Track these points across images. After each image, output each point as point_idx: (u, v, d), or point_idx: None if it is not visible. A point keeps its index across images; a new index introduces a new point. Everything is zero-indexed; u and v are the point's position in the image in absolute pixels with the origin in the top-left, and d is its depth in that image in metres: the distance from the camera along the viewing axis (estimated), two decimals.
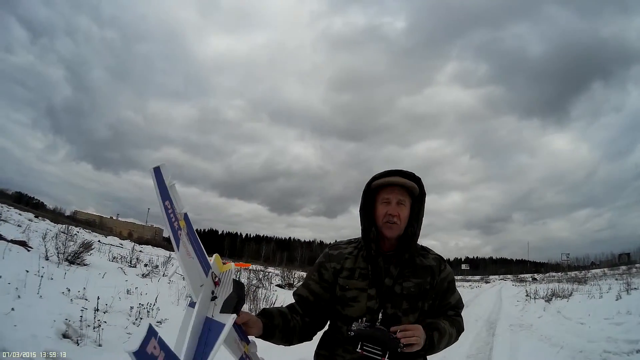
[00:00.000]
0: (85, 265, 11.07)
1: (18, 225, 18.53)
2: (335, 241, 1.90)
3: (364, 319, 1.56)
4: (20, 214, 25.90)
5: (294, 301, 1.79)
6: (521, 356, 6.86)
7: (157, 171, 1.25)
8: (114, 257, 14.79)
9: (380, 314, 1.58)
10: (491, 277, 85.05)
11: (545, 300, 15.46)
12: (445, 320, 1.69)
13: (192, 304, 1.26)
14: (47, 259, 10.18)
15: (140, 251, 21.10)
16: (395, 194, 1.67)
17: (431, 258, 1.75)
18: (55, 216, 41.40)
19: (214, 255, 1.45)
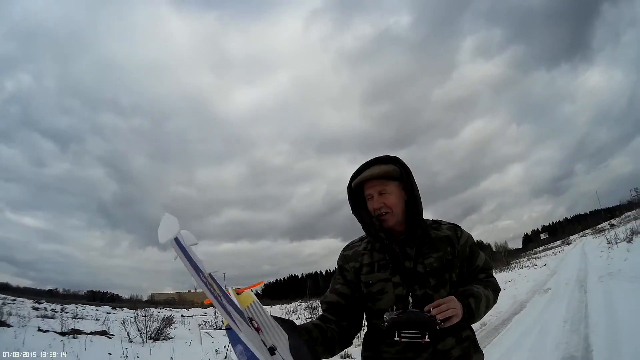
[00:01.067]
0: (169, 339, 11.31)
1: (96, 320, 19.34)
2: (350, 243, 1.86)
3: (394, 307, 1.53)
4: (96, 310, 26.92)
5: (323, 310, 1.74)
6: (618, 305, 6.45)
7: (178, 242, 0.98)
8: (199, 324, 14.97)
9: (410, 298, 1.55)
10: (571, 237, 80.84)
11: (627, 242, 14.67)
12: (479, 285, 1.65)
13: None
14: (130, 342, 10.50)
15: None
16: (374, 187, 1.65)
17: (445, 228, 1.71)
18: (133, 304, 42.66)
19: (229, 289, 1.34)
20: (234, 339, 1.01)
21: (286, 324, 1.30)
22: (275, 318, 1.29)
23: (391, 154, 1.71)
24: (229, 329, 1.06)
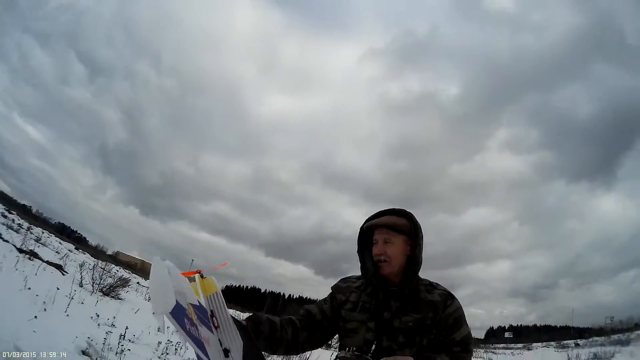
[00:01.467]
0: (119, 299, 10.93)
1: (56, 252, 18.76)
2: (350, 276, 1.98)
3: (354, 348, 1.62)
4: (60, 243, 26.30)
5: (299, 315, 1.85)
6: None
7: (177, 309, 1.04)
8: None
9: (374, 346, 1.63)
10: (534, 344, 78.86)
11: None
12: (446, 357, 1.62)
13: (194, 341, 1.10)
14: (81, 286, 10.09)
15: None
16: (382, 234, 1.76)
17: (437, 293, 1.74)
18: (97, 252, 41.91)
19: (195, 277, 1.34)
20: (179, 315, 1.04)
21: (244, 330, 1.40)
22: (234, 320, 1.38)
23: (408, 210, 1.81)
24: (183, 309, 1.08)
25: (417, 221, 1.78)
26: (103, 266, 13.79)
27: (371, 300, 1.74)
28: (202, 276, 1.35)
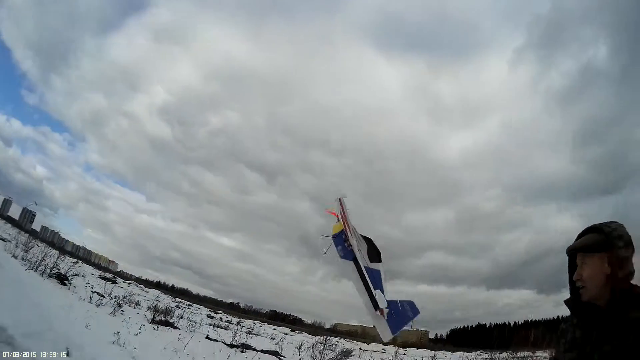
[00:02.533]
0: None
1: (271, 338, 17.40)
2: None
3: None
4: (274, 329, 25.84)
5: None
6: None
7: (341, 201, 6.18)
8: None
9: None
10: None
11: None
12: None
13: (346, 256, 6.19)
14: None
15: (404, 354, 18.38)
16: (579, 258, 1.71)
17: None
18: (314, 329, 42.13)
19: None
20: (337, 242, 6.16)
21: (367, 239, 6.22)
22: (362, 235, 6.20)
23: (610, 221, 1.69)
24: (334, 237, 6.24)
25: (611, 232, 1.63)
26: (322, 341, 11.82)
27: (581, 333, 1.65)
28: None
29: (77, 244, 73.26)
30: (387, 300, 6.14)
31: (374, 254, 6.42)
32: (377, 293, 6.15)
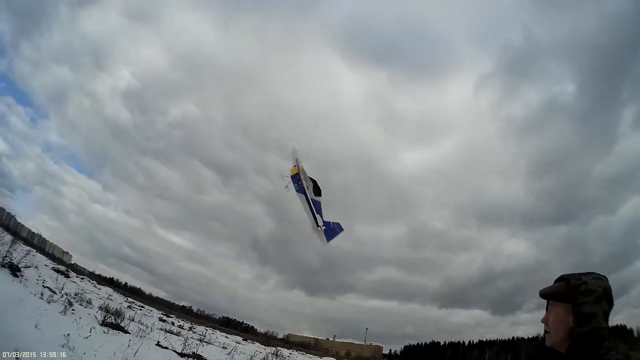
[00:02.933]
0: None
1: (223, 347, 17.23)
2: None
3: None
4: (226, 337, 25.53)
5: None
6: None
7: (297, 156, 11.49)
8: None
9: None
10: None
11: None
12: None
13: (299, 190, 11.39)
14: None
15: None
16: (550, 301, 1.77)
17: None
18: (267, 339, 41.60)
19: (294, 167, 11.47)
20: (294, 181, 11.33)
21: (313, 180, 11.17)
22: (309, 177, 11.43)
23: (588, 272, 1.71)
24: (292, 177, 11.45)
25: (579, 285, 1.64)
26: (275, 352, 11.84)
27: None
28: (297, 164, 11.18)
29: (33, 231, 70.15)
30: (323, 221, 11.20)
31: (317, 190, 11.40)
32: (318, 217, 11.12)
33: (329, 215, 11.45)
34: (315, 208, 10.92)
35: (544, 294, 1.75)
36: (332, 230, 11.22)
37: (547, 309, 1.77)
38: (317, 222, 10.87)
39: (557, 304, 1.68)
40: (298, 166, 11.12)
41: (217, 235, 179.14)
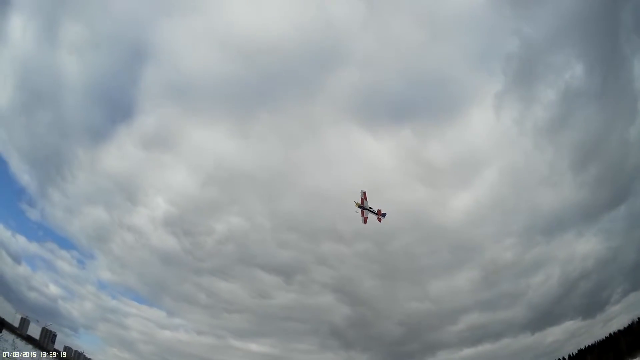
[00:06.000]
0: None
1: None
2: None
3: None
4: None
5: None
6: None
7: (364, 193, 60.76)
8: None
9: None
10: None
11: None
12: None
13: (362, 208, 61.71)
14: None
15: None
16: None
17: None
18: None
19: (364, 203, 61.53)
20: (359, 207, 60.16)
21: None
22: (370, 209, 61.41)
23: None
24: (358, 206, 60.25)
25: None
26: None
27: None
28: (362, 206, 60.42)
29: None
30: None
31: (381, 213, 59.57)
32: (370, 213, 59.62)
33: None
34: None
35: None
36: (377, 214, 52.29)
37: None
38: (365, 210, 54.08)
39: None
40: (365, 194, 44.31)
41: (294, 333, 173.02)
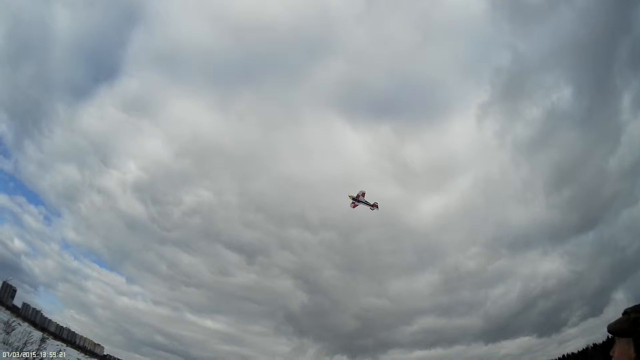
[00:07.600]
0: None
1: None
2: None
3: None
4: None
5: None
6: None
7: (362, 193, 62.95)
8: None
9: None
10: None
11: None
12: None
13: (357, 201, 64.57)
14: None
15: None
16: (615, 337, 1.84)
17: None
18: None
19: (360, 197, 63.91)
20: (353, 200, 62.43)
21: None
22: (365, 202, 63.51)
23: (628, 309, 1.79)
24: (352, 198, 62.07)
25: (635, 317, 1.68)
26: None
27: None
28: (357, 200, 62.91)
29: (61, 325, 70.10)
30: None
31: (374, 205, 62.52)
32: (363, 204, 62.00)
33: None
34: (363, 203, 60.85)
35: (609, 331, 1.78)
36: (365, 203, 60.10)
37: (614, 343, 1.81)
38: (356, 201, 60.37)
39: (620, 340, 1.72)
40: (362, 193, 57.27)
41: (250, 314, 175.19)
